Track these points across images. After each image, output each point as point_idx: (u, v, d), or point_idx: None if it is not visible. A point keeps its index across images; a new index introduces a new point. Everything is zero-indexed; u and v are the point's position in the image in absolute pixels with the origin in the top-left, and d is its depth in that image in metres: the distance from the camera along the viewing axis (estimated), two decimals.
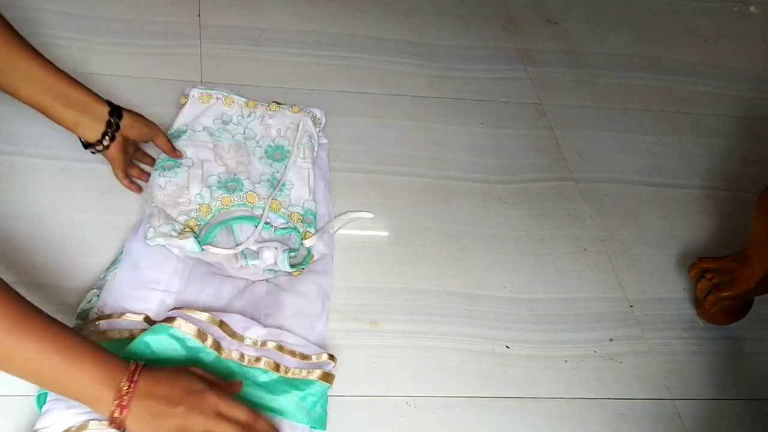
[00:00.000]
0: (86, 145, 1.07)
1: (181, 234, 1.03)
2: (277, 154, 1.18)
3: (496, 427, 1.01)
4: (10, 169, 1.09)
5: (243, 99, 1.23)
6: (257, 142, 1.19)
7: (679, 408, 1.09)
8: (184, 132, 1.17)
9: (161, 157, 1.13)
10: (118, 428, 0.78)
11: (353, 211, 1.18)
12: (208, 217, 1.08)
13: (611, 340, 1.14)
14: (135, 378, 0.77)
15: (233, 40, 1.39)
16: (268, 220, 1.10)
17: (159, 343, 0.90)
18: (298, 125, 1.21)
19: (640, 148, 1.43)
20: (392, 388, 1.01)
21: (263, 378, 0.94)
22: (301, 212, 1.12)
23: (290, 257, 1.06)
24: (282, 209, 1.11)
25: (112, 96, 1.22)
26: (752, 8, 1.81)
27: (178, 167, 1.12)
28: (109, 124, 1.04)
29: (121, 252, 1.03)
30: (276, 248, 1.05)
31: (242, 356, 0.94)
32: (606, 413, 1.06)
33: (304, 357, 0.97)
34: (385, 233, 1.19)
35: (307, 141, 1.20)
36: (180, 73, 1.30)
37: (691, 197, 1.36)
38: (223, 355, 0.93)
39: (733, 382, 1.13)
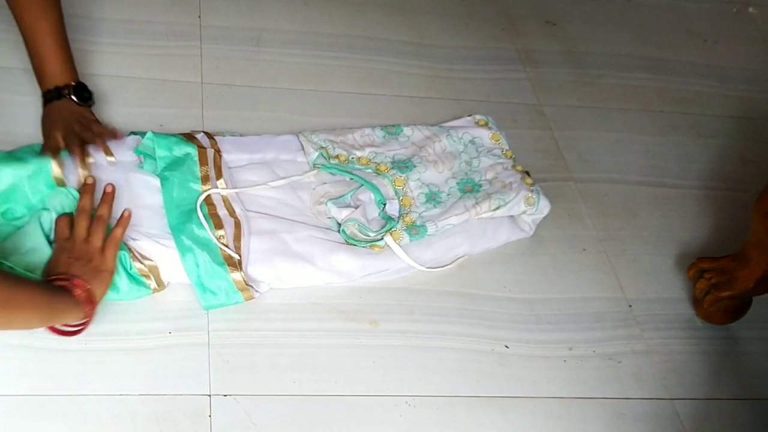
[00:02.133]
0: None
1: (320, 147, 1.14)
2: (469, 187, 1.19)
3: (496, 427, 1.01)
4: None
5: (507, 147, 1.27)
6: (469, 171, 1.22)
7: (678, 407, 1.09)
8: (434, 127, 1.27)
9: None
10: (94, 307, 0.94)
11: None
12: (359, 167, 1.16)
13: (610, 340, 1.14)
14: (73, 283, 0.92)
15: (233, 40, 1.39)
16: (386, 202, 1.14)
17: None
18: (512, 188, 1.18)
19: (639, 149, 1.43)
20: (392, 388, 1.02)
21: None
22: (418, 223, 1.12)
23: (352, 225, 1.09)
24: (407, 208, 1.14)
25: (112, 96, 1.22)
26: (751, 9, 1.82)
27: (391, 135, 1.24)
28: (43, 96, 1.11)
29: None
30: (353, 211, 1.09)
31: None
32: (605, 413, 1.06)
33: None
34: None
35: (496, 200, 1.16)
36: (180, 74, 1.30)
37: (689, 197, 1.37)
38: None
39: (732, 382, 1.14)
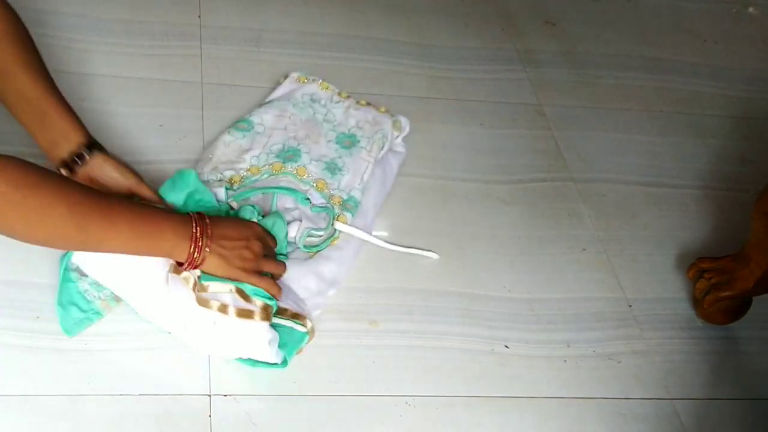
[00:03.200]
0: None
1: (218, 182, 1.09)
2: (347, 141, 1.20)
3: (495, 427, 1.01)
4: None
5: (337, 89, 1.27)
6: (333, 126, 1.22)
7: (678, 408, 1.09)
8: (271, 103, 1.23)
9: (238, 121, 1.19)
10: (195, 268, 0.92)
11: (419, 249, 1.16)
12: (254, 178, 1.12)
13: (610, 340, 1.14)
14: (204, 223, 0.91)
15: (233, 40, 1.39)
16: (309, 197, 1.11)
17: None
18: (379, 123, 1.23)
19: (639, 149, 1.43)
20: (392, 388, 1.02)
21: None
22: (344, 197, 1.14)
23: (308, 236, 1.07)
24: (326, 190, 1.13)
25: (112, 96, 1.22)
26: (750, 9, 1.82)
27: (248, 131, 1.17)
28: (72, 158, 0.96)
29: None
30: (299, 225, 1.07)
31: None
32: (605, 413, 1.06)
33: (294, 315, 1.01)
34: (385, 233, 1.19)
35: (379, 138, 1.20)
36: (180, 74, 1.30)
37: (689, 197, 1.37)
38: None
39: (732, 382, 1.14)
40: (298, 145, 1.18)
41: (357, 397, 1.00)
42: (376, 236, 1.15)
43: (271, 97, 1.26)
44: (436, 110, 1.39)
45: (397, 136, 1.24)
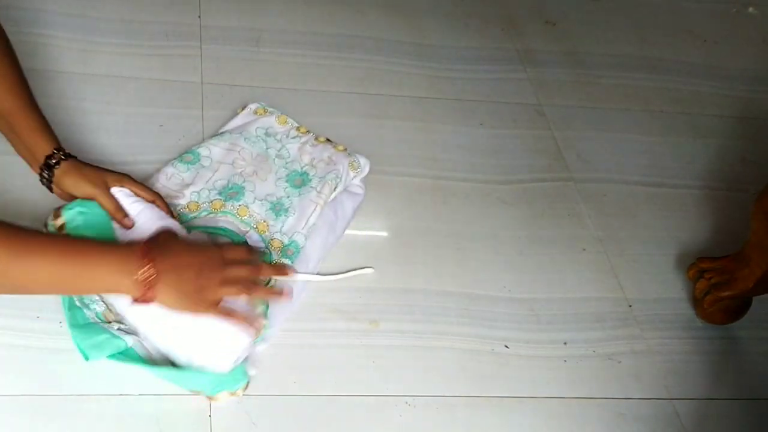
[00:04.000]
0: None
1: None
2: (298, 180, 1.13)
3: (496, 427, 1.01)
4: (10, 169, 1.10)
5: (297, 124, 1.21)
6: (286, 163, 1.15)
7: (678, 408, 1.09)
8: (223, 135, 1.16)
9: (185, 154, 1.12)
10: (148, 303, 0.84)
11: (354, 269, 1.12)
12: (192, 215, 1.06)
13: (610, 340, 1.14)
14: (150, 257, 0.83)
15: (233, 40, 1.39)
16: (246, 239, 1.05)
17: None
18: (334, 162, 1.15)
19: (639, 149, 1.43)
20: (392, 388, 1.02)
21: None
22: (286, 241, 1.07)
23: None
24: (267, 233, 1.07)
25: (112, 96, 1.22)
26: (751, 9, 1.82)
27: (193, 164, 1.11)
28: (40, 174, 0.98)
29: None
30: None
31: None
32: (605, 413, 1.06)
33: None
34: (385, 233, 1.19)
35: (332, 179, 1.13)
36: (180, 74, 1.30)
37: (689, 197, 1.37)
38: None
39: (732, 382, 1.14)
40: (244, 182, 1.11)
41: (357, 397, 1.00)
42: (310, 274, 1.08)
43: (224, 128, 1.20)
44: (436, 110, 1.39)
45: (354, 177, 1.16)
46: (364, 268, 1.12)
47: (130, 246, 0.85)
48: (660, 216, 1.33)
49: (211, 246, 0.92)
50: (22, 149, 0.99)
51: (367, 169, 1.18)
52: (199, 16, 1.41)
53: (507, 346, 1.09)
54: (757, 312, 1.19)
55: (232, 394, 0.94)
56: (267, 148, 1.17)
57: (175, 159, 1.12)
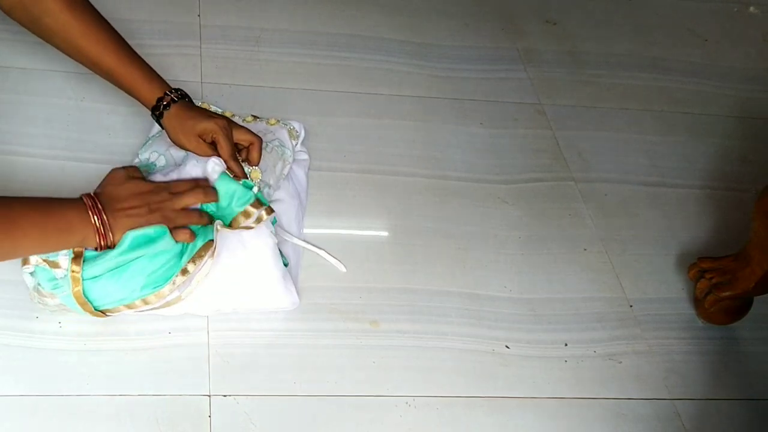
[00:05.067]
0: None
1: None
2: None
3: (496, 427, 1.01)
4: (10, 169, 1.09)
5: (220, 109, 1.19)
6: None
7: (679, 408, 1.09)
8: (150, 140, 1.12)
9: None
10: (112, 243, 0.91)
11: (329, 255, 1.12)
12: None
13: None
14: (97, 207, 0.89)
15: (233, 40, 1.39)
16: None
17: None
18: (272, 132, 1.15)
19: (640, 148, 1.43)
20: (392, 388, 1.02)
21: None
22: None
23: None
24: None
25: (112, 95, 1.22)
26: (752, 8, 1.82)
27: (148, 170, 1.05)
28: (153, 111, 1.05)
29: None
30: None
31: None
32: (605, 413, 1.06)
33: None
34: (385, 233, 1.19)
35: (275, 147, 1.12)
36: (180, 74, 1.30)
37: (690, 197, 1.37)
38: None
39: (733, 382, 1.14)
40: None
41: (357, 397, 1.00)
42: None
43: (151, 134, 1.14)
44: (436, 110, 1.39)
45: (296, 144, 1.17)
46: (337, 260, 1.12)
47: (77, 202, 0.90)
48: (661, 216, 1.33)
49: (159, 183, 0.96)
50: (135, 97, 1.05)
51: (303, 133, 1.20)
52: (199, 15, 1.41)
53: (507, 346, 1.09)
54: (757, 312, 1.19)
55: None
56: None
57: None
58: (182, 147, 1.03)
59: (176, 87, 1.05)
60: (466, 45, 1.52)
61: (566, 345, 1.12)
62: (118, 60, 1.02)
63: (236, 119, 1.16)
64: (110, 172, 0.97)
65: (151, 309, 0.96)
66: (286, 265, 1.05)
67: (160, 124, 1.05)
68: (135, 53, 1.04)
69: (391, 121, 1.34)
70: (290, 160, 1.15)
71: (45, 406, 0.91)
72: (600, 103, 1.49)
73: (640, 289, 1.21)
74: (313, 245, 1.12)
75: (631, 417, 1.06)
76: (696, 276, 1.18)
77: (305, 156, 1.21)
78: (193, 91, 1.27)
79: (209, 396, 0.95)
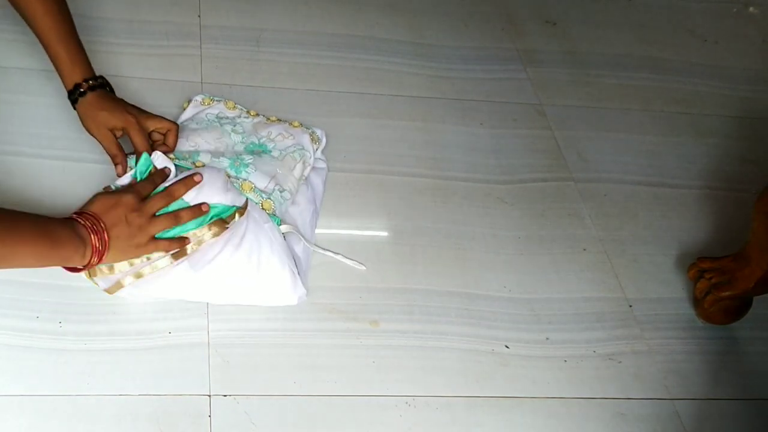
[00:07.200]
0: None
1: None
2: (257, 152, 1.14)
3: (496, 427, 1.01)
4: (10, 169, 1.10)
5: (245, 108, 1.22)
6: (242, 138, 1.16)
7: (678, 408, 1.09)
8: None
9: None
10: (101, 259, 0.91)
11: (347, 258, 1.12)
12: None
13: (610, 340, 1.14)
14: (93, 228, 0.89)
15: (233, 40, 1.39)
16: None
17: None
18: (293, 135, 1.17)
19: (640, 149, 1.43)
20: (392, 388, 1.02)
21: None
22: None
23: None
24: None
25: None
26: (751, 9, 1.82)
27: (180, 163, 1.08)
28: (69, 95, 1.05)
29: None
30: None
31: None
32: (605, 413, 1.06)
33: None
34: (385, 233, 1.19)
35: (296, 151, 1.15)
36: (180, 74, 1.30)
37: (690, 197, 1.37)
38: None
39: (732, 382, 1.14)
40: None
41: (357, 397, 1.00)
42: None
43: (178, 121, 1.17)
44: (436, 110, 1.39)
45: (316, 149, 1.19)
46: (358, 262, 1.12)
47: (70, 221, 0.90)
48: (660, 216, 1.33)
49: (122, 191, 0.95)
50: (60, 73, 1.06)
51: (324, 141, 1.21)
52: (199, 16, 1.41)
53: (507, 346, 1.09)
54: (757, 312, 1.19)
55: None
56: (222, 126, 1.17)
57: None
58: (92, 135, 1.05)
59: (99, 75, 1.06)
60: (466, 45, 1.52)
61: (566, 345, 1.12)
62: (51, 35, 1.03)
63: (260, 119, 1.19)
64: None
65: (155, 276, 0.97)
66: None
67: (76, 109, 1.06)
68: (74, 34, 1.05)
69: (391, 121, 1.34)
70: (310, 161, 1.17)
71: (45, 406, 0.91)
72: (600, 103, 1.49)
73: (640, 289, 1.21)
74: (330, 251, 1.12)
75: (630, 417, 1.06)
76: (695, 276, 1.18)
77: (323, 165, 1.21)
78: (193, 92, 1.28)
79: (209, 396, 0.95)
